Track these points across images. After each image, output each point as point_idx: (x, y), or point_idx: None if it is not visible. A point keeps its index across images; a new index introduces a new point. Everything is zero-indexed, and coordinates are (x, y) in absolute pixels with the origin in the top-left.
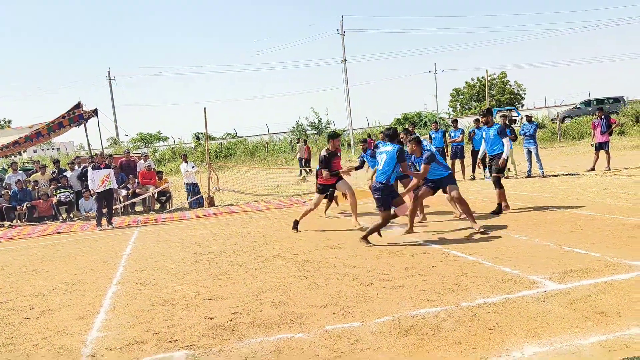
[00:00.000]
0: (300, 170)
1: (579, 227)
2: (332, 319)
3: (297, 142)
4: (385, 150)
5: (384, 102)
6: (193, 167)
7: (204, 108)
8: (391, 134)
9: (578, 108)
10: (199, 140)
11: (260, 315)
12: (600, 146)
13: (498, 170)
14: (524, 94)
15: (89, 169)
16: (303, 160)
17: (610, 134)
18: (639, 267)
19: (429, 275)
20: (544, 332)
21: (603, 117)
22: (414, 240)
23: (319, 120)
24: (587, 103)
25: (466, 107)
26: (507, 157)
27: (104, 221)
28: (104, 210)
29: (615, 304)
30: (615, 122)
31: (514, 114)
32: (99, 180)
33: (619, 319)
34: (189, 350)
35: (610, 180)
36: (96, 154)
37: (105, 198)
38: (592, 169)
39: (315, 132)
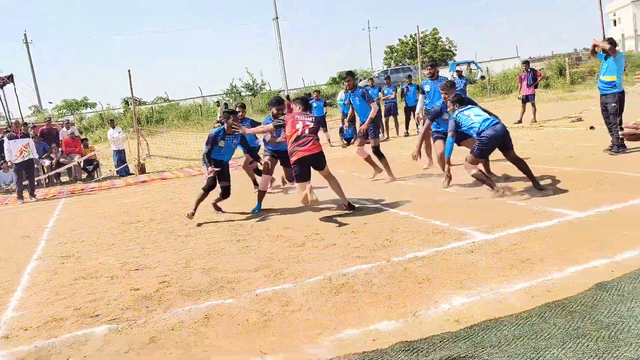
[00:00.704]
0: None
1: (505, 177)
2: (263, 282)
3: (217, 106)
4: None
5: (319, 61)
6: (120, 133)
7: (129, 70)
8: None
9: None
10: (128, 105)
11: (189, 283)
12: (527, 99)
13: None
14: (456, 50)
15: (5, 139)
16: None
17: (535, 87)
18: (561, 213)
19: (361, 232)
20: (471, 283)
21: (529, 70)
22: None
23: (253, 82)
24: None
25: (400, 64)
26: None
27: (25, 193)
28: (25, 182)
29: (539, 250)
30: (540, 75)
31: (473, 66)
32: (17, 150)
33: (542, 265)
34: (111, 324)
35: (536, 132)
36: (12, 123)
37: (26, 169)
38: (520, 122)
39: (250, 93)
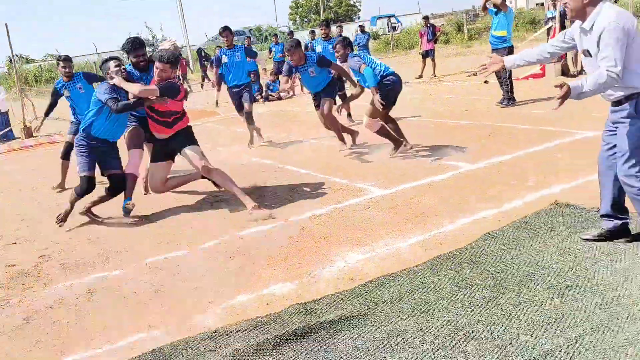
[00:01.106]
0: None
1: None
2: (153, 251)
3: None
4: None
5: (222, 15)
6: (1, 94)
7: (6, 24)
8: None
9: None
10: (11, 63)
11: (72, 256)
12: (427, 54)
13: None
14: (360, 6)
15: None
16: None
17: (435, 42)
18: (455, 166)
19: (261, 192)
20: (367, 239)
21: (429, 25)
22: (251, 160)
23: (153, 37)
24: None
25: (305, 20)
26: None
27: None
28: None
29: (433, 204)
30: (440, 31)
31: (393, 20)
32: None
33: (436, 218)
34: None
35: (435, 87)
36: None
37: None
38: (420, 77)
39: (149, 50)
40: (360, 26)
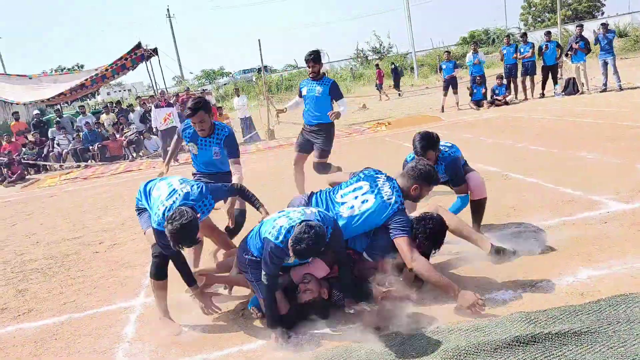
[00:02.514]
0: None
1: None
2: None
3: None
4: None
5: (448, 20)
6: (244, 101)
7: (259, 40)
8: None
9: None
10: (259, 73)
11: None
12: None
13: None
14: (605, 0)
15: (152, 107)
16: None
17: None
18: None
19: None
20: (602, 256)
21: None
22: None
23: (380, 44)
24: None
25: (539, 19)
26: None
27: None
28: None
29: None
30: None
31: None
32: (161, 118)
33: None
34: None
35: None
36: (158, 93)
37: (170, 136)
38: None
39: (377, 57)
40: (603, 24)
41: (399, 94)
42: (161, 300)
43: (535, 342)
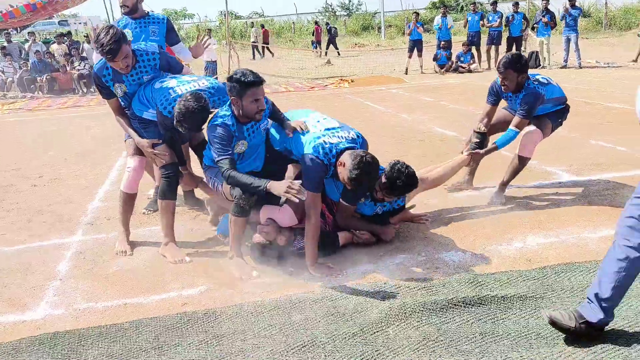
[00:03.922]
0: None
1: (608, 120)
2: None
3: (252, 27)
4: None
5: None
6: (214, 44)
7: None
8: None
9: None
10: (224, 17)
11: None
12: None
13: None
14: None
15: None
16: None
17: None
18: None
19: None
20: (551, 224)
21: None
22: (431, 129)
23: (349, 1)
24: None
25: None
26: None
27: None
28: None
29: None
30: None
31: None
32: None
33: None
34: None
35: None
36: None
37: None
38: (635, 61)
39: (345, 13)
40: (569, 0)
41: (338, 53)
42: (168, 220)
43: (481, 304)
